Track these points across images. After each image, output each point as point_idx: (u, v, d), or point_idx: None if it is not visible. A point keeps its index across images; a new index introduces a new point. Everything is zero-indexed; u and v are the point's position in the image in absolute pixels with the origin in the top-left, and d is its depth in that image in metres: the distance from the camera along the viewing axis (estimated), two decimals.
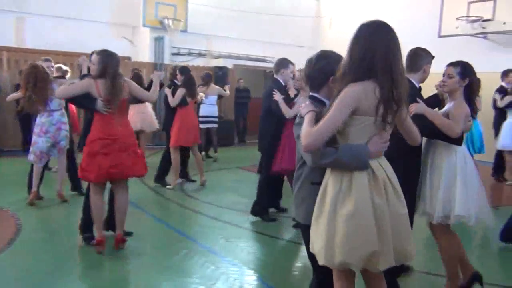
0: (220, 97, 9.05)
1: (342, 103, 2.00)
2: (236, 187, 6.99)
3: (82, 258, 3.95)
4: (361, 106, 2.02)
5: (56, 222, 4.98)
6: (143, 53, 11.23)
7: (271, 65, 12.88)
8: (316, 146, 2.01)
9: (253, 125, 13.02)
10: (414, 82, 3.18)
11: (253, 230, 4.84)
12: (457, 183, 3.04)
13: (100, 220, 3.96)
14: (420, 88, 3.29)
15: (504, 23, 9.13)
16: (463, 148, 3.15)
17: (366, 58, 2.00)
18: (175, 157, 6.47)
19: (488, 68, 9.26)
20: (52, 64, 5.98)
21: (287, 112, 4.61)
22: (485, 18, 9.38)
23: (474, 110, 3.13)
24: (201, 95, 7.53)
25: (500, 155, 7.72)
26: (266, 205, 5.26)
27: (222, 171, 8.17)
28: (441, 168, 3.08)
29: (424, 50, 3.30)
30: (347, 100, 2.00)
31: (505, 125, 7.18)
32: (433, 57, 3.28)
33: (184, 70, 6.75)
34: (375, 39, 2.01)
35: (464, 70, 3.08)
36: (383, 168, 2.09)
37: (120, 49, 10.62)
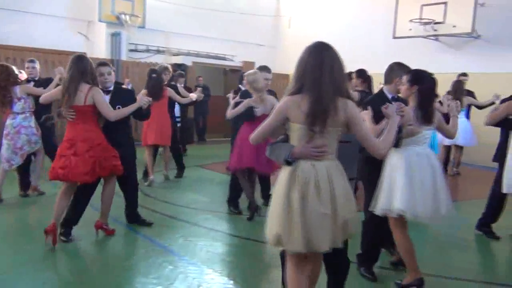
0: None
1: (275, 112, 2.45)
2: (195, 185, 6.94)
3: (34, 258, 3.79)
4: (290, 115, 2.39)
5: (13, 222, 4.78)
6: (99, 49, 10.93)
7: (231, 63, 12.97)
8: (254, 142, 2.53)
9: (213, 123, 13.00)
10: (386, 92, 3.61)
11: (212, 229, 4.82)
12: (398, 180, 3.23)
13: (58, 213, 4.14)
14: (395, 98, 3.52)
15: (454, 26, 9.50)
16: (413, 148, 3.27)
17: (299, 76, 2.36)
18: (146, 155, 6.75)
19: (439, 69, 9.63)
20: (34, 65, 5.93)
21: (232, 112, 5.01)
22: (436, 20, 9.72)
23: (427, 115, 3.26)
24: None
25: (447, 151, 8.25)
26: (234, 197, 5.45)
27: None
28: (386, 166, 3.33)
29: (399, 64, 3.57)
30: (278, 109, 2.44)
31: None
32: (409, 70, 3.42)
33: (149, 72, 6.71)
34: (307, 59, 2.35)
35: (411, 77, 3.30)
36: (316, 170, 2.34)
37: (74, 44, 10.33)
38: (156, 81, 6.53)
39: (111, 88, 4.40)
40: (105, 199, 4.40)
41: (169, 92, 6.83)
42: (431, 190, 3.23)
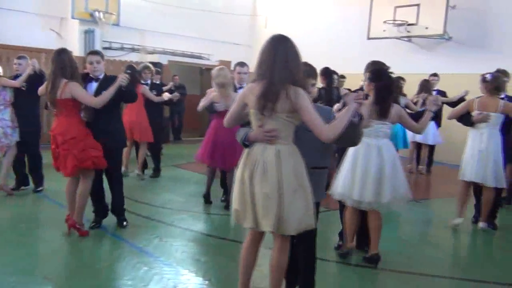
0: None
1: (237, 99, 2.73)
2: (171, 185, 6.88)
3: (1, 263, 3.68)
4: (248, 101, 2.61)
5: None
6: (71, 46, 10.64)
7: (207, 62, 12.89)
8: (226, 125, 2.83)
9: (189, 122, 12.91)
10: (364, 88, 3.82)
11: (188, 229, 4.78)
12: (343, 168, 3.71)
13: (71, 205, 4.35)
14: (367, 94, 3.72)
15: (427, 28, 9.69)
16: (364, 140, 3.39)
17: (258, 65, 2.56)
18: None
19: (412, 69, 9.86)
20: (21, 61, 5.80)
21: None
22: (409, 22, 9.89)
23: (382, 111, 3.57)
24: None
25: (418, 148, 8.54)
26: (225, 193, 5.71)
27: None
28: (347, 156, 3.71)
29: (372, 62, 3.89)
30: (239, 96, 2.72)
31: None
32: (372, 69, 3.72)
33: (125, 68, 6.76)
34: (264, 49, 2.54)
35: (370, 75, 3.62)
36: (266, 153, 2.51)
37: (46, 41, 10.09)
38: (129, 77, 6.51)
39: (100, 77, 4.43)
40: (78, 198, 4.31)
41: (143, 89, 6.77)
42: (375, 179, 3.56)
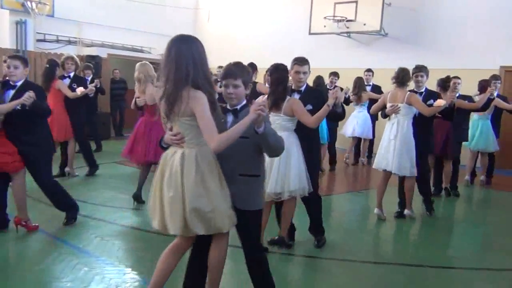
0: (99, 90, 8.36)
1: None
2: (112, 182, 6.67)
3: None
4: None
5: None
6: (2, 38, 10.06)
7: (148, 56, 12.56)
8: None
9: (130, 118, 12.52)
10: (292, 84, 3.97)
11: (131, 226, 4.68)
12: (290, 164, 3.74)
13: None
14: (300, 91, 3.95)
15: (364, 24, 9.98)
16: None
17: (161, 67, 2.46)
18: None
19: (352, 65, 10.17)
20: None
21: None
22: (348, 18, 10.13)
23: (275, 103, 3.70)
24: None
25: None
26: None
27: (99, 166, 7.72)
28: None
29: (295, 59, 3.98)
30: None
31: (352, 116, 8.49)
32: (296, 62, 3.89)
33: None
34: (165, 51, 2.44)
35: (269, 69, 3.78)
36: (174, 156, 2.49)
37: None
38: (45, 71, 6.31)
39: (18, 84, 4.16)
40: (14, 195, 4.26)
41: (59, 84, 6.45)
42: (278, 171, 3.66)
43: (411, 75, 5.22)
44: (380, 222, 5.26)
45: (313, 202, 4.14)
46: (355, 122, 8.46)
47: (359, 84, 8.17)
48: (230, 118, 2.60)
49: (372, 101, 8.31)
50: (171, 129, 2.51)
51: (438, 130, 6.15)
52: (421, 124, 5.18)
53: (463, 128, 6.64)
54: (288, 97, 3.73)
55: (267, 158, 3.47)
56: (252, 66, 6.48)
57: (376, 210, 5.30)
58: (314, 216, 4.25)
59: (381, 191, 5.30)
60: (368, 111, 8.22)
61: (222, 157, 2.51)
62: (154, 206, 2.57)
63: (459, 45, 9.39)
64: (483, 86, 6.99)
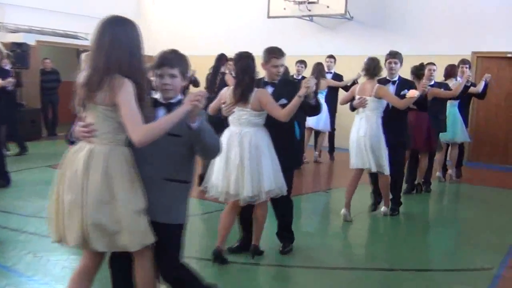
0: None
1: None
2: (44, 190, 6.30)
3: None
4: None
5: None
6: None
7: (85, 43, 12.15)
8: None
9: (65, 115, 12.12)
10: (265, 77, 4.06)
11: None
12: (221, 161, 3.80)
13: None
14: (266, 82, 4.04)
15: (328, 7, 10.13)
16: (229, 128, 3.84)
17: (90, 52, 2.43)
18: None
19: (315, 51, 10.26)
20: None
21: None
22: (310, 0, 10.24)
23: (241, 95, 3.74)
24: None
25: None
26: None
27: (28, 171, 7.47)
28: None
29: (266, 49, 4.02)
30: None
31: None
32: (273, 56, 3.93)
33: None
34: (93, 33, 2.41)
35: (234, 59, 3.87)
36: (78, 153, 2.37)
37: None
38: None
39: None
40: None
41: None
42: (250, 172, 3.68)
43: (382, 64, 5.28)
44: (347, 224, 5.35)
45: (284, 205, 4.17)
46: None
47: (318, 70, 8.26)
48: (161, 113, 2.53)
49: (332, 90, 8.60)
50: (81, 120, 2.42)
51: (417, 123, 6.30)
52: (394, 117, 5.27)
53: (440, 118, 6.80)
54: (255, 89, 3.75)
55: (234, 157, 3.69)
56: (221, 57, 6.63)
57: (343, 211, 5.37)
58: (284, 221, 4.28)
59: (351, 190, 5.37)
60: (326, 100, 8.34)
61: (145, 157, 2.43)
62: (51, 212, 2.44)
63: (430, 30, 9.67)
64: (449, 71, 7.27)
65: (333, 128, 8.95)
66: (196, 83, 8.34)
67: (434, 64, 6.66)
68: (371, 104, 5.12)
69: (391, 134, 5.19)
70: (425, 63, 6.52)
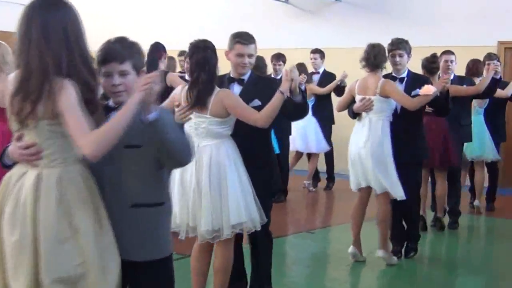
0: None
1: None
2: None
3: None
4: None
5: None
6: None
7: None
8: None
9: None
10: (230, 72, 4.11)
11: None
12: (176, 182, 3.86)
13: None
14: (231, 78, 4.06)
15: None
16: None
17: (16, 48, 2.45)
18: None
19: (293, 43, 10.15)
20: None
21: None
22: None
23: (198, 98, 3.72)
24: None
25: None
26: None
27: None
28: None
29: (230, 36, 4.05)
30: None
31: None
32: (238, 41, 3.89)
33: None
34: (18, 23, 2.37)
35: (188, 50, 3.89)
36: (22, 179, 2.34)
37: None
38: None
39: None
40: None
41: None
42: (194, 194, 3.69)
43: (387, 53, 5.26)
44: (356, 267, 5.29)
45: (261, 243, 4.11)
46: (294, 130, 8.26)
47: (300, 71, 7.82)
48: None
49: (320, 97, 8.36)
50: (19, 138, 2.39)
51: (430, 133, 6.10)
52: (406, 123, 5.21)
53: (463, 125, 6.64)
54: (217, 89, 3.70)
55: (190, 178, 3.71)
56: (158, 47, 6.44)
57: (351, 249, 5.30)
58: (260, 264, 4.18)
59: (358, 219, 5.31)
60: (315, 113, 8.22)
61: (103, 181, 2.46)
62: None
63: (444, 14, 9.52)
64: (471, 68, 7.10)
65: (330, 146, 8.60)
66: None
67: (452, 53, 6.54)
68: (376, 105, 5.05)
69: (401, 146, 5.11)
70: (435, 54, 6.35)
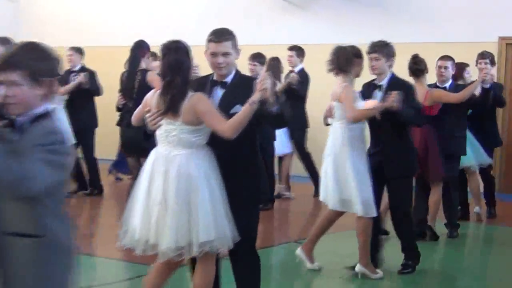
0: None
1: None
2: None
3: None
4: None
5: None
6: None
7: None
8: None
9: None
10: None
11: None
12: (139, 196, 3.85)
13: None
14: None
15: None
16: (156, 148, 3.81)
17: None
18: None
19: (279, 39, 9.91)
20: None
21: None
22: None
23: (169, 104, 3.70)
24: None
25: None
26: None
27: None
28: None
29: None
30: None
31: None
32: (210, 39, 3.86)
33: None
34: None
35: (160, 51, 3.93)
36: None
37: None
38: None
39: None
40: None
41: None
42: (160, 208, 3.62)
43: (357, 55, 5.20)
44: (350, 279, 5.33)
45: (245, 263, 3.99)
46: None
47: (273, 69, 7.88)
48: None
49: (294, 97, 8.08)
50: None
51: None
52: (385, 135, 5.22)
53: (456, 136, 6.52)
54: (190, 93, 3.65)
55: (156, 191, 3.65)
56: (141, 46, 6.54)
57: (308, 264, 5.39)
58: (246, 283, 4.08)
59: (318, 232, 5.40)
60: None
61: None
62: None
63: (442, 9, 9.48)
64: (455, 74, 6.89)
65: (300, 150, 8.54)
66: (94, 89, 8.23)
67: (448, 59, 6.43)
68: (337, 112, 5.12)
69: (386, 161, 5.18)
70: (417, 55, 6.26)
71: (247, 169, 3.89)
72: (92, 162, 8.38)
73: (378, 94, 5.22)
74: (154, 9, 11.44)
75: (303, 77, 8.36)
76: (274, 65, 8.08)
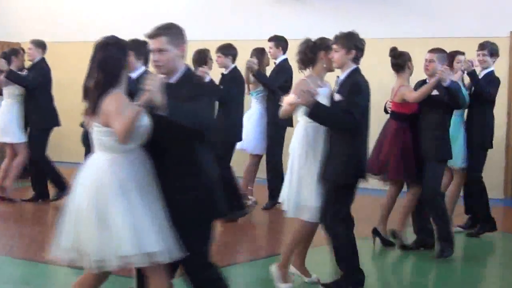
0: None
1: None
2: None
3: None
4: None
5: None
6: None
7: None
8: None
9: None
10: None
11: None
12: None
13: None
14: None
15: None
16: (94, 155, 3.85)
17: None
18: None
19: (266, 33, 9.63)
20: None
21: None
22: None
23: (90, 104, 3.76)
24: None
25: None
26: None
27: None
28: None
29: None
30: None
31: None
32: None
33: None
34: None
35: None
36: None
37: None
38: None
39: None
40: None
41: None
42: (95, 219, 3.58)
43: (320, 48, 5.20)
44: None
45: (200, 280, 3.94)
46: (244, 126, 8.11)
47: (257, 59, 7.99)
48: None
49: (269, 91, 8.17)
50: None
51: (385, 140, 6.38)
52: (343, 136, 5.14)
53: (435, 136, 6.32)
54: (111, 92, 3.62)
55: (72, 198, 3.69)
56: (121, 44, 6.39)
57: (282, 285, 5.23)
58: None
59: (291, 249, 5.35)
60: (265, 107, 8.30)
61: None
62: None
63: (447, 2, 9.53)
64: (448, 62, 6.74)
65: (273, 150, 8.32)
66: (12, 79, 7.90)
67: (435, 52, 6.29)
68: (298, 108, 5.15)
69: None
70: (395, 48, 6.36)
71: (183, 180, 3.80)
72: (39, 164, 8.21)
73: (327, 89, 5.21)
74: (139, 3, 11.58)
75: (281, 68, 8.19)
76: (257, 57, 7.95)
